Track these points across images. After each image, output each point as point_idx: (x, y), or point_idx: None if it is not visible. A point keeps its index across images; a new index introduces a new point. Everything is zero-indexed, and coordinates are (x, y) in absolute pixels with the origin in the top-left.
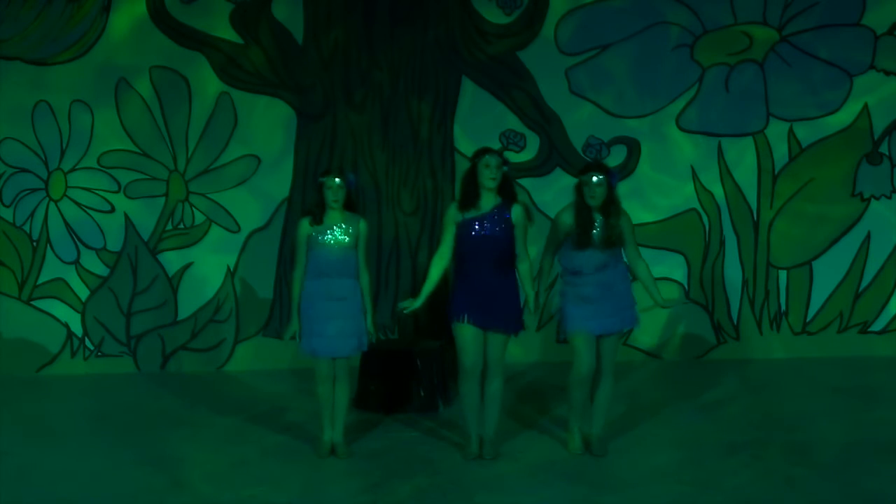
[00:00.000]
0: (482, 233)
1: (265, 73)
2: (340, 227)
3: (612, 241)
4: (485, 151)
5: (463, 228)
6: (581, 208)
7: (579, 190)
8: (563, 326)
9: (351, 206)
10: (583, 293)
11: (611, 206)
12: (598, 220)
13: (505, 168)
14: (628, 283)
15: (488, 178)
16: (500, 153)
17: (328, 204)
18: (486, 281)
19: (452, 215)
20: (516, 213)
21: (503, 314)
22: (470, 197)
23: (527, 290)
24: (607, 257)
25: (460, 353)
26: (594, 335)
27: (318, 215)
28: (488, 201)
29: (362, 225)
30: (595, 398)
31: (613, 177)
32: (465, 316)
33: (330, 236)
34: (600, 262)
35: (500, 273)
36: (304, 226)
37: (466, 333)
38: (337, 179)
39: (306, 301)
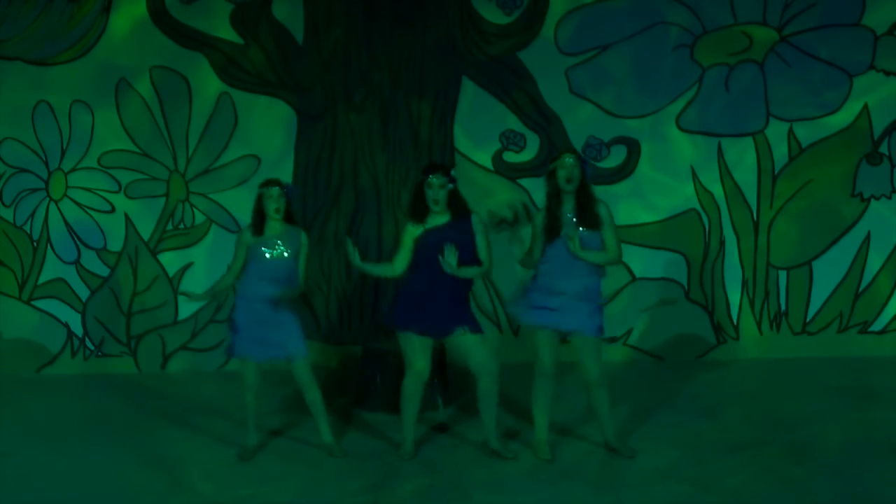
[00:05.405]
0: (439, 243)
1: (265, 73)
2: (282, 241)
3: (590, 221)
4: (429, 170)
5: (421, 240)
6: (552, 196)
7: (552, 177)
8: (520, 316)
9: (290, 217)
10: (550, 283)
11: (584, 189)
12: (570, 207)
13: (450, 186)
14: (598, 281)
15: (430, 199)
16: (446, 170)
17: (269, 214)
18: (444, 287)
19: (411, 232)
20: (475, 221)
21: (465, 314)
22: (420, 211)
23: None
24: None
25: (412, 357)
26: (554, 331)
27: (258, 226)
28: (441, 215)
29: (303, 237)
30: (595, 410)
31: (585, 163)
32: (412, 327)
33: (271, 250)
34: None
35: (457, 280)
36: (247, 235)
37: (415, 341)
38: (276, 188)
39: (242, 305)
